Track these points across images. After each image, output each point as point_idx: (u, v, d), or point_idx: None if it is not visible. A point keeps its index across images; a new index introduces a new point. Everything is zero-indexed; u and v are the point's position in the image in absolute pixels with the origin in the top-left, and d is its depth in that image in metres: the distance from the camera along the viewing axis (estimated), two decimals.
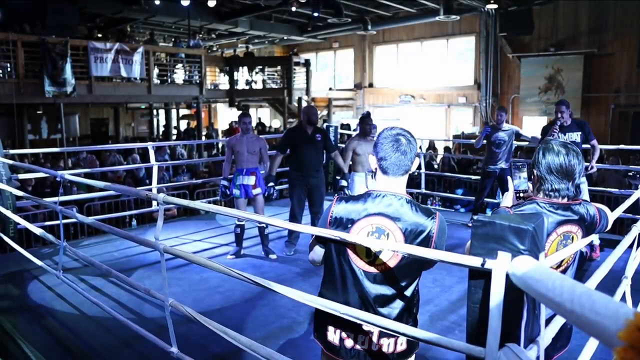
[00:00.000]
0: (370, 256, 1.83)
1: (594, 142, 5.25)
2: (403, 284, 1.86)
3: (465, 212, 8.58)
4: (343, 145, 7.22)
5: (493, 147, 6.29)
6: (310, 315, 3.76)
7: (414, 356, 1.96)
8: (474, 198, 8.31)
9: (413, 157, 1.87)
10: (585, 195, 3.30)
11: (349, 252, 1.86)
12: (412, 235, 1.81)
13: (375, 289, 1.85)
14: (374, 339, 1.85)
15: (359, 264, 1.85)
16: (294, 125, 6.78)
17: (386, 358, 1.86)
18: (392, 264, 1.83)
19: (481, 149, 11.80)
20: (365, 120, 5.74)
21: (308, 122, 5.45)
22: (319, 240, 1.95)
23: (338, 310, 1.81)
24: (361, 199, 1.87)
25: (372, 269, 1.85)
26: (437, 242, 1.83)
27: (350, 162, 5.72)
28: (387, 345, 1.85)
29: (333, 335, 1.90)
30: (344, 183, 5.53)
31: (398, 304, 1.87)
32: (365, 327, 1.81)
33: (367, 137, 5.67)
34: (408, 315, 1.90)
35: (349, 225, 1.84)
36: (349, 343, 1.87)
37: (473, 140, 11.76)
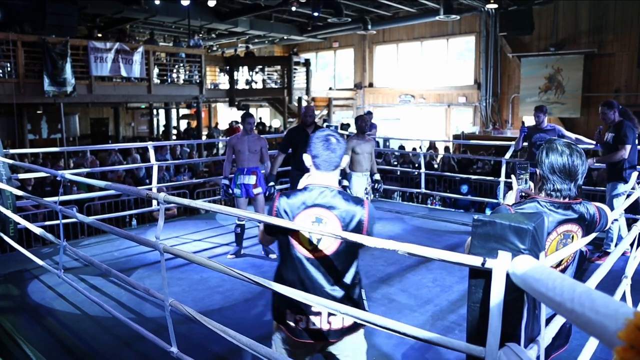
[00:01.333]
0: (312, 244, 2.03)
1: (620, 147, 4.91)
2: (344, 266, 2.08)
3: (464, 212, 8.57)
4: None
5: (534, 148, 5.93)
6: None
7: (362, 330, 2.16)
8: (476, 199, 8.33)
9: (342, 155, 2.12)
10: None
11: (293, 241, 2.06)
12: (346, 221, 2.04)
13: (320, 274, 2.05)
14: (324, 318, 2.05)
15: (303, 252, 2.06)
16: (295, 125, 6.80)
17: (336, 333, 2.08)
18: (332, 249, 2.04)
19: (479, 148, 11.86)
20: (362, 119, 5.75)
21: (303, 123, 5.49)
22: (267, 231, 2.18)
23: (330, 306, 1.81)
24: (299, 194, 2.10)
25: (316, 256, 2.05)
26: (369, 226, 2.07)
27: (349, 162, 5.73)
28: (335, 322, 2.06)
29: (290, 317, 2.09)
30: (345, 183, 5.54)
31: (342, 285, 2.07)
32: (315, 308, 2.01)
33: (365, 136, 5.67)
34: (352, 294, 2.10)
35: (292, 218, 2.05)
36: (302, 324, 2.07)
37: (473, 141, 11.84)
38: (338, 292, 2.06)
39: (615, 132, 4.97)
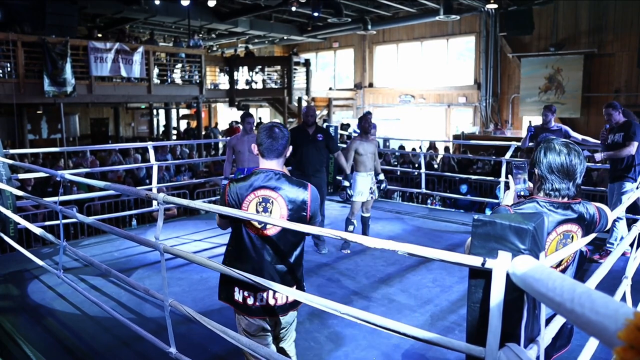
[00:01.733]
0: (260, 224, 2.27)
1: (628, 143, 4.92)
2: (289, 245, 2.32)
3: (464, 212, 8.57)
4: (342, 145, 7.20)
5: None
6: (309, 314, 3.76)
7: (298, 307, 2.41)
8: (476, 199, 8.33)
9: (284, 143, 2.33)
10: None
11: (243, 222, 2.30)
12: (291, 200, 2.29)
13: (266, 250, 2.30)
14: (270, 295, 2.28)
15: (253, 231, 2.30)
16: (296, 126, 6.81)
17: (281, 308, 2.33)
18: (276, 229, 2.28)
19: (479, 149, 11.85)
20: (366, 119, 5.74)
21: (304, 123, 5.49)
22: (221, 214, 2.36)
23: (329, 306, 1.81)
24: (247, 179, 2.33)
25: (262, 234, 2.29)
26: (312, 206, 2.34)
27: (352, 163, 5.72)
28: (280, 299, 2.31)
29: (238, 295, 2.32)
30: (346, 183, 5.55)
31: (286, 262, 2.32)
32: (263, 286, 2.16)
33: (368, 137, 5.68)
34: (295, 272, 2.37)
35: (241, 200, 2.29)
36: (250, 300, 2.30)
37: (473, 142, 11.83)
38: (282, 268, 2.31)
39: (624, 131, 4.99)
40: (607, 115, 5.15)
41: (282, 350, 2.47)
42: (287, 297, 2.26)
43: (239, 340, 2.30)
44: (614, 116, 5.10)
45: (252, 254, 2.31)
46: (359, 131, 5.93)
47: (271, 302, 2.29)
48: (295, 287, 2.32)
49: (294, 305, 2.37)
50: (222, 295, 2.40)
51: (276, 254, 2.30)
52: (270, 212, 2.28)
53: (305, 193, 2.32)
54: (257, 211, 2.28)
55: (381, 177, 5.80)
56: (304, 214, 2.32)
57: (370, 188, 5.64)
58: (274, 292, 2.22)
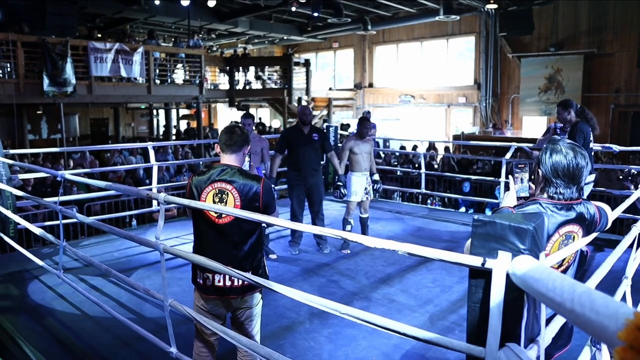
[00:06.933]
0: (217, 213, 2.48)
1: None
2: (244, 232, 2.52)
3: (464, 212, 8.57)
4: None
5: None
6: (309, 314, 3.76)
7: (259, 292, 2.63)
8: (476, 199, 8.33)
9: (241, 141, 2.58)
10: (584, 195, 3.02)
11: (203, 211, 2.51)
12: (244, 192, 2.51)
13: (224, 236, 2.51)
14: (226, 278, 2.50)
15: (212, 219, 2.51)
16: (291, 126, 6.77)
17: (234, 290, 2.53)
18: (230, 218, 2.49)
19: (479, 148, 11.84)
20: (364, 124, 5.69)
21: (301, 122, 5.47)
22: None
23: (329, 306, 1.81)
24: (207, 173, 2.57)
25: (220, 222, 2.50)
26: (265, 198, 2.55)
27: (347, 162, 5.70)
28: (236, 282, 2.50)
29: (199, 276, 2.56)
30: (339, 182, 5.54)
31: (242, 248, 2.53)
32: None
33: (364, 138, 5.65)
34: (253, 257, 2.57)
35: (200, 191, 2.54)
36: (209, 282, 2.53)
37: (473, 142, 11.81)
38: (238, 254, 2.51)
39: (569, 136, 4.86)
40: (557, 114, 5.08)
41: (242, 332, 2.56)
42: (241, 280, 2.41)
43: (238, 340, 2.31)
44: (562, 115, 5.02)
45: (210, 241, 2.55)
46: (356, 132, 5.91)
47: (227, 284, 2.51)
48: (251, 272, 2.48)
49: (250, 288, 2.53)
50: (192, 278, 2.62)
51: (232, 240, 2.51)
52: (226, 203, 2.51)
53: (258, 185, 2.53)
54: (214, 202, 2.51)
55: (376, 177, 5.78)
56: (257, 204, 2.52)
57: (366, 188, 5.63)
58: (229, 275, 2.41)
